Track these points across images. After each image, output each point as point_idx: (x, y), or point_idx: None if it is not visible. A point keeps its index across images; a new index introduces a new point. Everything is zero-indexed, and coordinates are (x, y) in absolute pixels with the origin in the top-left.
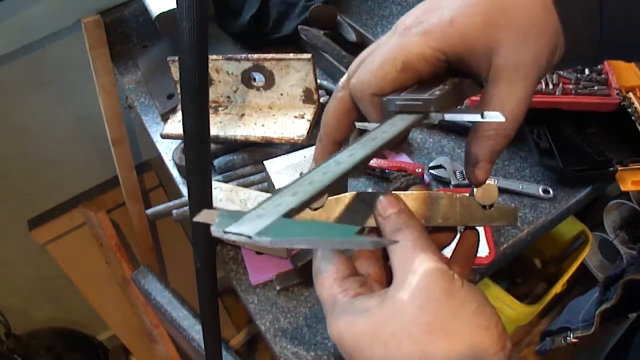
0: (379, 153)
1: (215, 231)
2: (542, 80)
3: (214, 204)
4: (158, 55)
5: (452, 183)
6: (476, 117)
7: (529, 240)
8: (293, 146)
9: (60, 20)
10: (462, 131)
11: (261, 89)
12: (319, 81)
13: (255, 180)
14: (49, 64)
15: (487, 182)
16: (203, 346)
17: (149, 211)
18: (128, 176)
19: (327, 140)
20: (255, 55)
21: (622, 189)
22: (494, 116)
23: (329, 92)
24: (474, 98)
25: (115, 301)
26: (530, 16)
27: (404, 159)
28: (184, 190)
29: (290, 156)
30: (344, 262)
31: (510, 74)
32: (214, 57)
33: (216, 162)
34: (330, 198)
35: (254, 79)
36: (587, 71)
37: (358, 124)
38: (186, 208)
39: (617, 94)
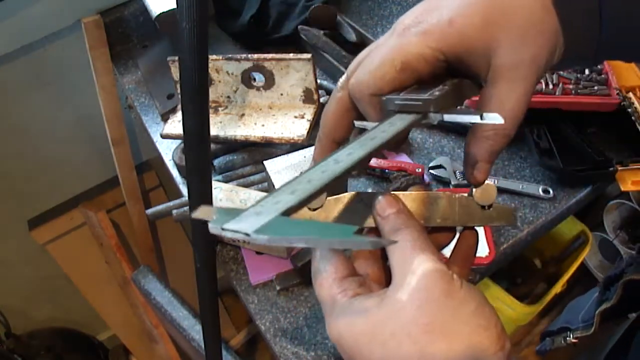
0: (378, 152)
1: (213, 227)
2: (542, 80)
3: (214, 204)
4: (158, 55)
5: (452, 183)
6: (475, 119)
7: (529, 240)
8: (293, 146)
9: (60, 20)
10: (462, 131)
11: (261, 89)
12: (319, 81)
13: (255, 180)
14: (49, 64)
15: (486, 182)
16: (203, 346)
17: (149, 211)
18: (128, 176)
19: (326, 140)
20: (255, 55)
21: (622, 189)
22: (493, 118)
23: (329, 92)
24: (474, 98)
25: (115, 301)
26: (530, 16)
27: (404, 159)
28: (184, 190)
29: (290, 156)
30: (343, 262)
31: (509, 74)
32: (214, 57)
33: (216, 162)
34: (329, 198)
35: (254, 79)
36: (587, 71)
37: (357, 123)
38: (186, 208)
39: (617, 94)
